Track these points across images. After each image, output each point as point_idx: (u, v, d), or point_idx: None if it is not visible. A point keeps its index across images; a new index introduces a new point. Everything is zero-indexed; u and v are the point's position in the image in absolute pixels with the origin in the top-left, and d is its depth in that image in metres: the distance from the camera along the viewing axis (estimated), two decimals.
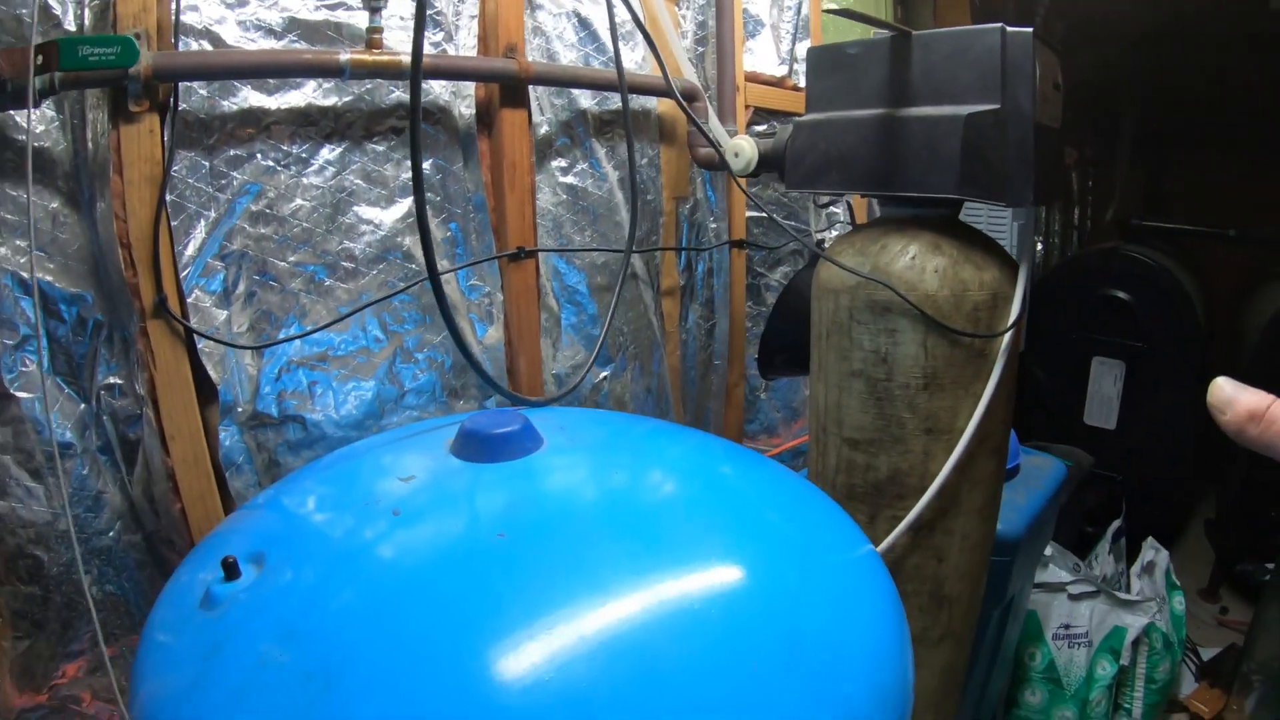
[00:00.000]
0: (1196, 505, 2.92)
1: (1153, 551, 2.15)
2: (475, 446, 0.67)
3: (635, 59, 1.32)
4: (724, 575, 0.57)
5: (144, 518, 0.96)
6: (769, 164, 1.11)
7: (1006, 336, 0.96)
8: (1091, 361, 2.60)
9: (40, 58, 0.80)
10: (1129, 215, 2.88)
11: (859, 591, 0.63)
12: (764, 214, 1.51)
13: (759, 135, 1.13)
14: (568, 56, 1.23)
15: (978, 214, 2.21)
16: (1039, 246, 2.98)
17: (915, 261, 0.94)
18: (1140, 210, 3.01)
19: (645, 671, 0.48)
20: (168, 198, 0.90)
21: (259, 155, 0.97)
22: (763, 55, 1.57)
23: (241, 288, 0.96)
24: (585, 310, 1.31)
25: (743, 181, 1.19)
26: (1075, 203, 3.17)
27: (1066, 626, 1.95)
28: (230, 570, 0.58)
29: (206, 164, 0.94)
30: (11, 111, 0.82)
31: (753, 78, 1.53)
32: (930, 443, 0.98)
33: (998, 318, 0.95)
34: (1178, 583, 2.18)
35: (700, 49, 1.42)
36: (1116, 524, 2.20)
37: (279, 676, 0.49)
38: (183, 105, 0.91)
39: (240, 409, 0.96)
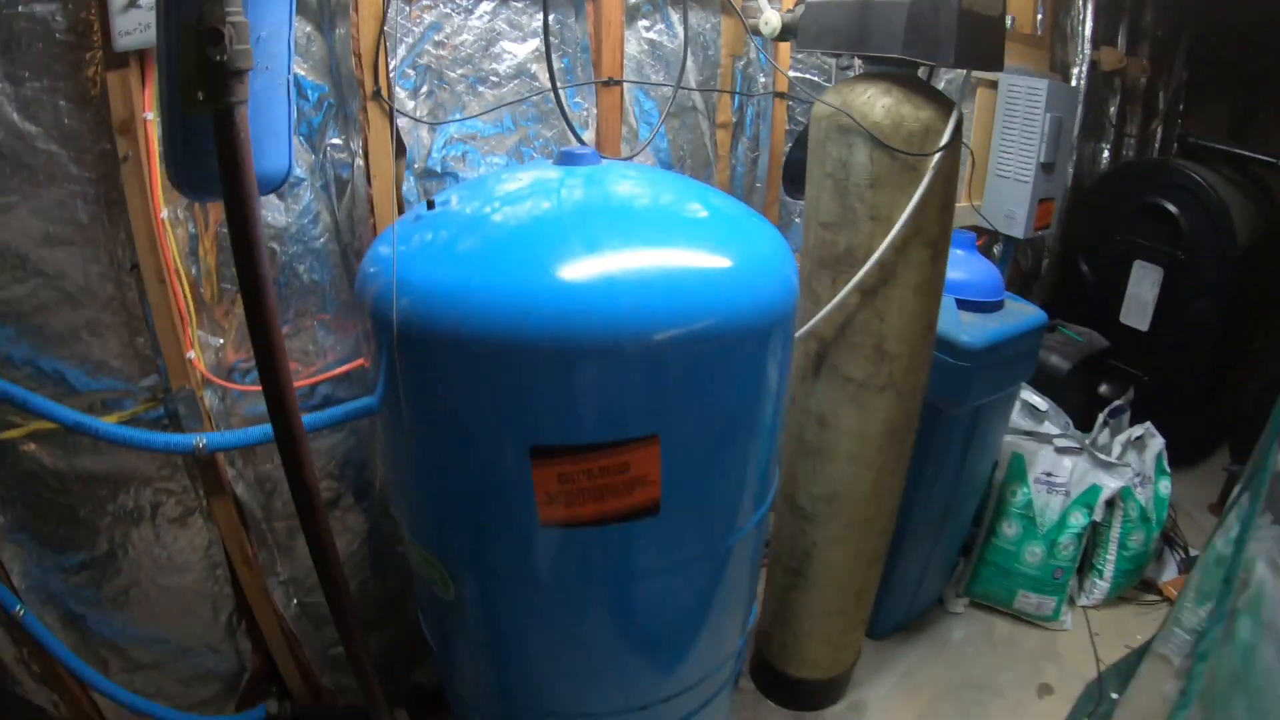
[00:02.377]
0: (1214, 430, 3.27)
1: (1145, 430, 2.61)
2: (565, 158, 1.32)
3: None
4: (720, 254, 1.19)
5: (343, 233, 1.67)
6: (788, 32, 1.70)
7: (936, 157, 1.52)
8: (1133, 264, 3.03)
9: None
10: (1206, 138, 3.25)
11: (784, 272, 1.24)
12: (804, 75, 2.11)
13: (787, 12, 1.71)
14: None
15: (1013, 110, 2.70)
16: (1105, 153, 3.39)
17: (869, 99, 1.51)
18: (1226, 137, 3.36)
19: (660, 285, 1.09)
20: (384, 29, 1.57)
21: (441, 4, 1.63)
22: None
23: (425, 88, 1.63)
24: (658, 129, 1.96)
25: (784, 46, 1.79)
26: (1157, 117, 3.54)
27: (1049, 474, 2.47)
28: (430, 204, 1.25)
29: (407, 8, 1.60)
30: None
31: None
32: (874, 227, 1.56)
33: (929, 143, 1.52)
34: (1168, 470, 2.64)
35: None
36: (1118, 403, 2.67)
37: (437, 252, 1.15)
38: None
39: (416, 165, 1.65)
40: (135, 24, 1.41)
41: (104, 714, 1.88)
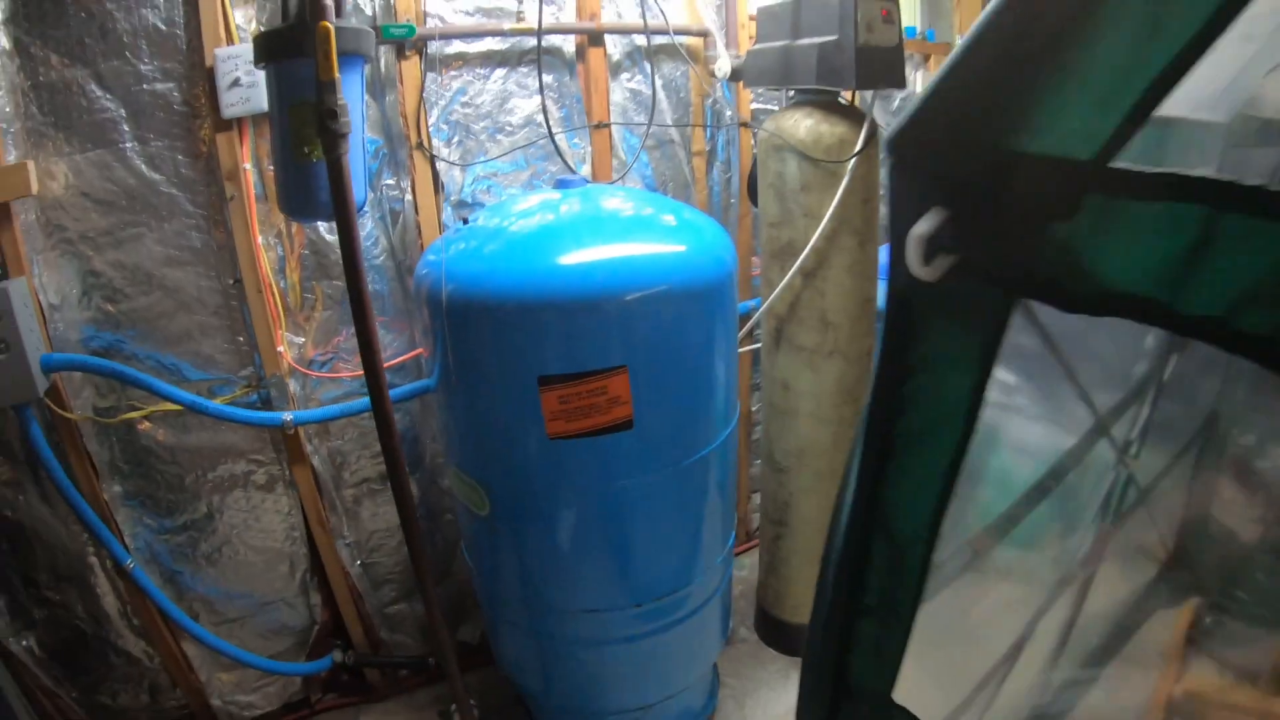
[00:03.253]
0: None
1: None
2: (561, 184, 1.88)
3: (679, 10, 2.48)
4: (675, 244, 1.73)
5: (397, 253, 2.24)
6: (737, 75, 2.26)
7: (851, 162, 2.05)
8: None
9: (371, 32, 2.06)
10: None
11: (722, 256, 1.78)
12: (764, 106, 2.69)
13: (735, 58, 2.28)
14: (630, 14, 2.40)
15: None
16: None
17: (795, 122, 2.06)
18: None
19: (629, 264, 1.65)
20: (423, 95, 2.15)
21: (464, 73, 2.21)
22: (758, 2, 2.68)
23: (455, 138, 2.22)
24: (640, 160, 2.52)
25: (737, 85, 2.36)
26: None
27: None
28: (464, 221, 1.81)
29: (439, 78, 2.19)
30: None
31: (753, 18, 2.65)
32: (808, 223, 2.09)
33: (844, 152, 2.05)
34: None
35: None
36: None
37: (470, 257, 1.71)
38: (430, 50, 2.16)
39: (452, 198, 2.23)
40: (237, 99, 2.00)
41: (191, 664, 2.43)
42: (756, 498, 3.21)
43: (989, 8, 0.46)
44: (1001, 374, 0.56)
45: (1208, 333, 0.41)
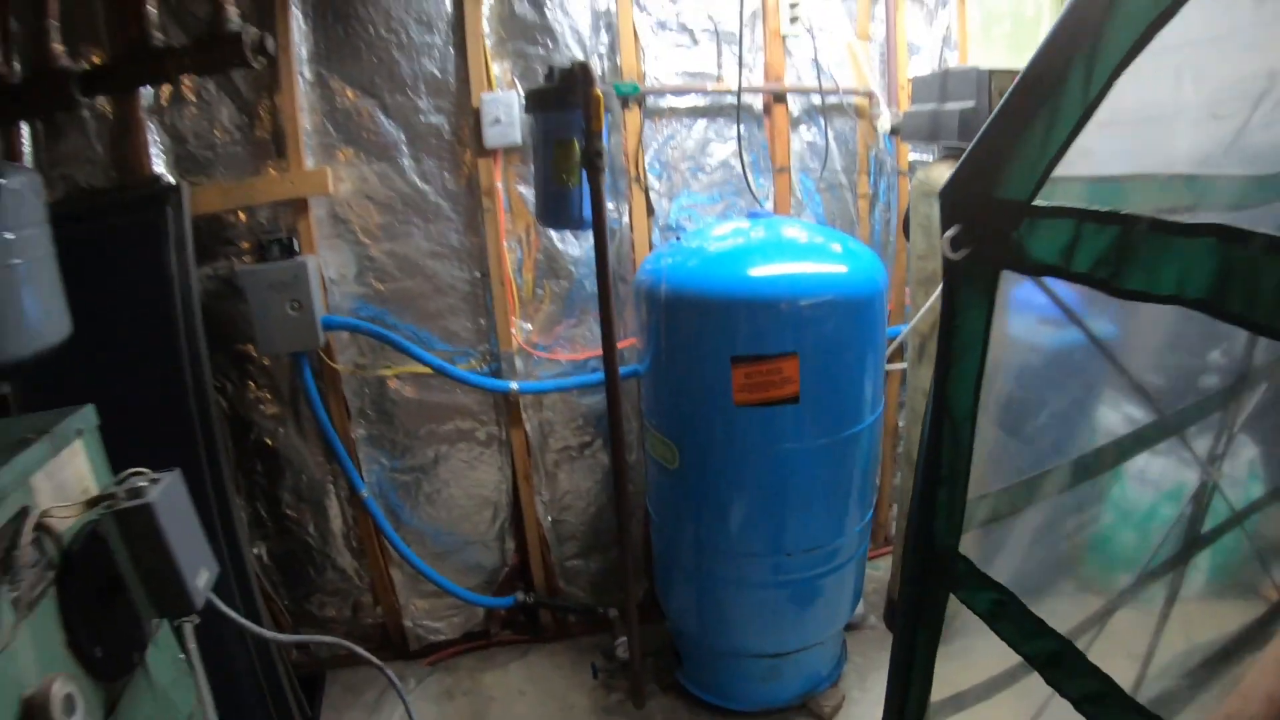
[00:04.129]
0: None
1: None
2: (751, 214, 2.54)
3: (848, 74, 3.10)
4: (839, 265, 2.35)
5: (612, 265, 2.93)
6: (896, 130, 2.86)
7: None
8: None
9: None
10: None
11: (875, 277, 2.38)
12: (920, 158, 3.26)
13: (895, 115, 2.88)
14: (808, 77, 3.04)
15: None
16: None
17: (941, 172, 2.63)
18: None
19: (801, 278, 2.28)
20: (641, 139, 2.86)
21: (673, 123, 2.92)
22: (919, 67, 3.24)
23: (664, 175, 2.93)
24: (814, 199, 3.14)
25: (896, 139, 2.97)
26: None
27: None
28: (677, 238, 2.48)
29: (654, 125, 2.89)
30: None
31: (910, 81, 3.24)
32: None
33: None
34: None
35: (883, 63, 3.17)
36: None
37: (678, 267, 2.38)
38: (648, 103, 2.86)
39: (660, 222, 2.93)
40: (498, 134, 2.74)
41: (394, 587, 3.17)
42: (895, 507, 3.72)
43: (984, 127, 1.05)
44: None
45: (1095, 283, 0.97)
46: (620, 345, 2.83)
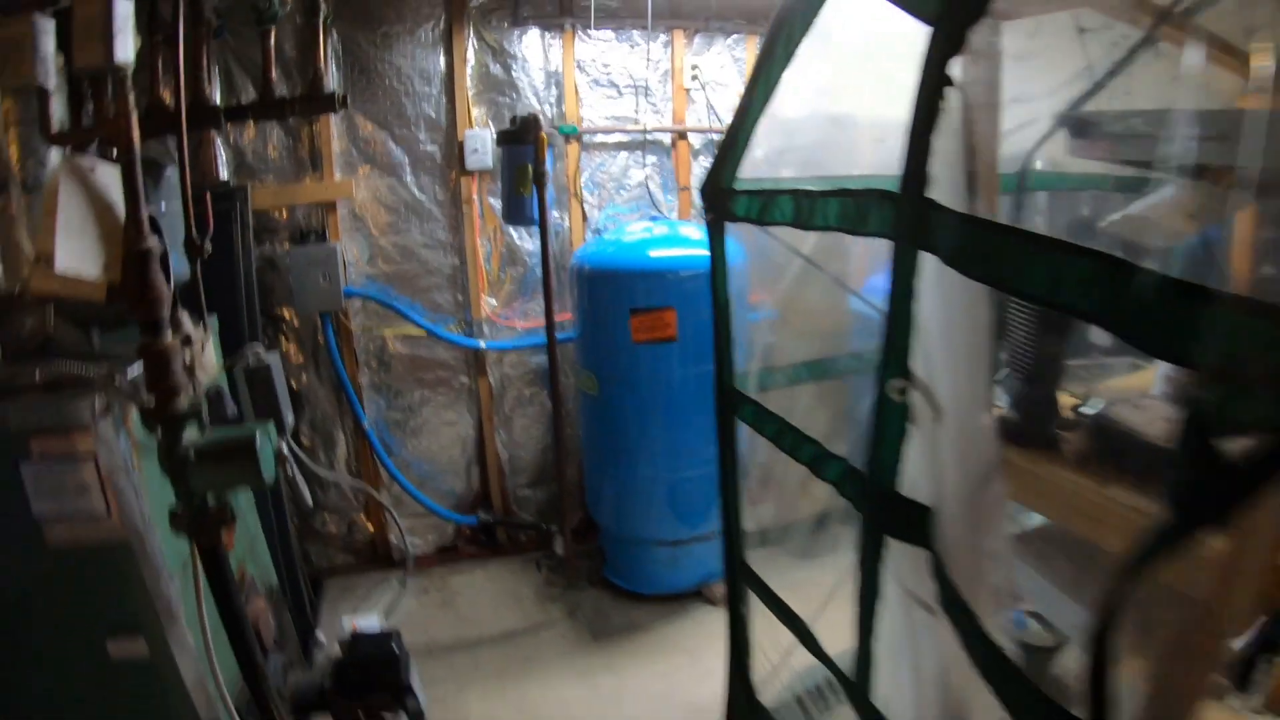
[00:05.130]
0: None
1: None
2: (653, 219, 3.77)
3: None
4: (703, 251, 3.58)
5: (556, 255, 4.16)
6: None
7: None
8: None
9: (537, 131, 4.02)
10: None
11: (736, 257, 3.61)
12: None
13: None
14: (705, 119, 4.29)
15: None
16: None
17: None
18: None
19: (681, 258, 3.50)
20: (579, 165, 4.08)
21: (602, 154, 4.18)
22: None
23: (595, 191, 4.18)
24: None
25: None
26: None
27: None
28: (597, 233, 3.71)
29: (587, 155, 4.13)
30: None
31: None
32: None
33: None
34: None
35: None
36: None
37: (598, 253, 3.61)
38: (584, 139, 4.10)
39: (592, 226, 4.19)
40: (476, 160, 3.98)
41: (384, 504, 4.30)
42: None
43: (716, 155, 2.25)
44: None
45: (753, 221, 2.16)
46: (559, 318, 4.03)
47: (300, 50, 3.71)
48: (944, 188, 1.27)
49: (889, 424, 1.55)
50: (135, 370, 1.94)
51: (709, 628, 3.55)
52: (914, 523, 1.55)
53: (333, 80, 3.80)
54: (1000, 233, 1.15)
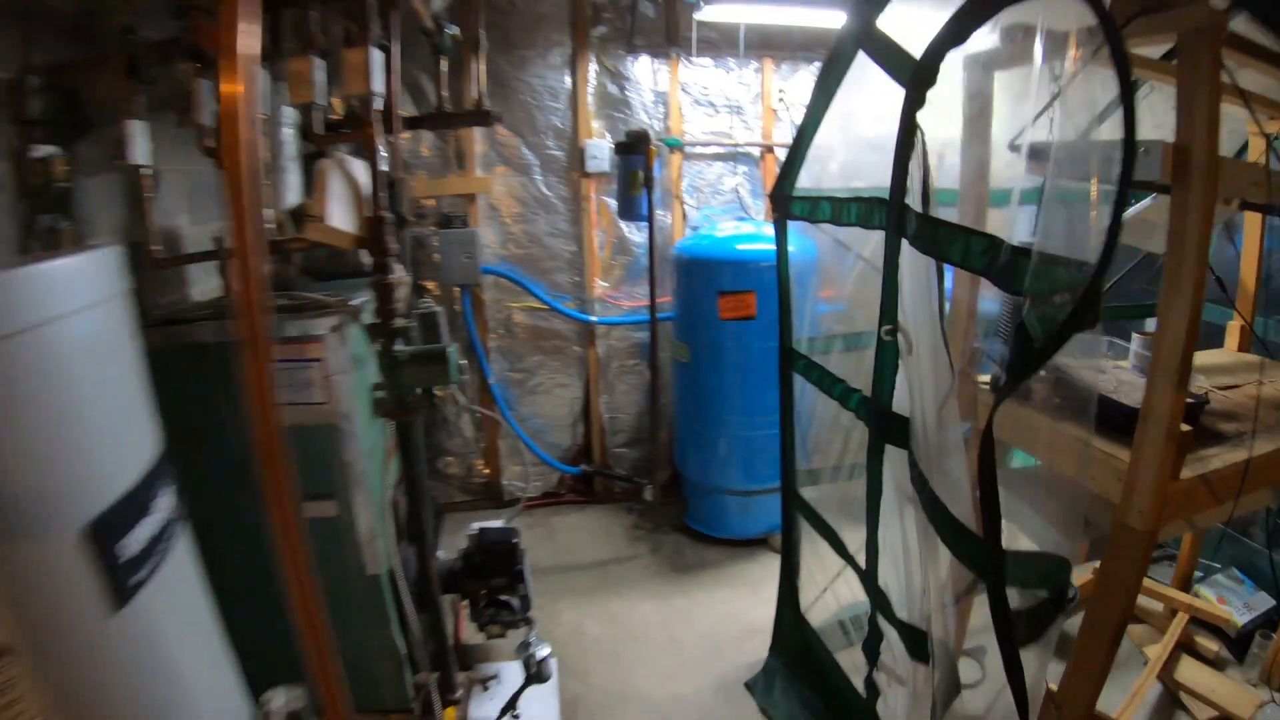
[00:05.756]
0: None
1: None
2: (742, 219, 4.54)
3: None
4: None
5: (660, 247, 4.96)
6: None
7: None
8: None
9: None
10: None
11: (809, 253, 4.35)
12: None
13: None
14: (789, 136, 5.03)
15: None
16: None
17: None
18: None
19: (762, 252, 4.26)
20: (680, 172, 4.87)
21: (701, 163, 4.98)
22: None
23: (693, 194, 4.97)
24: None
25: None
26: None
27: None
28: (694, 230, 4.50)
29: (688, 164, 4.92)
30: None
31: None
32: None
33: None
34: None
35: None
36: None
37: (694, 245, 4.39)
38: (686, 150, 4.88)
39: (690, 224, 4.97)
40: (594, 164, 4.82)
41: (499, 453, 5.14)
42: None
43: (781, 166, 2.98)
44: None
45: (807, 219, 2.87)
46: (660, 300, 4.81)
47: (452, 71, 4.57)
48: (913, 196, 2.00)
49: (885, 359, 2.29)
50: (356, 301, 2.78)
51: (769, 570, 4.22)
52: (900, 430, 2.26)
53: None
54: (938, 224, 1.89)
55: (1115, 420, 2.07)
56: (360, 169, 2.70)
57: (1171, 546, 4.02)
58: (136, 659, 1.57)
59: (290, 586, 1.50)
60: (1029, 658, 1.85)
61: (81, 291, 1.55)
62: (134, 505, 1.60)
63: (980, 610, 2.16)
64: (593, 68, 4.84)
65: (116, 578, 1.48)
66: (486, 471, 5.21)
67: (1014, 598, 1.87)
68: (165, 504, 1.73)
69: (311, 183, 2.64)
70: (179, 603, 1.77)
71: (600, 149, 4.79)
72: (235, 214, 1.35)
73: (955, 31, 1.84)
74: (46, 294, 1.44)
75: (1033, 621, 1.83)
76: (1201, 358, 2.97)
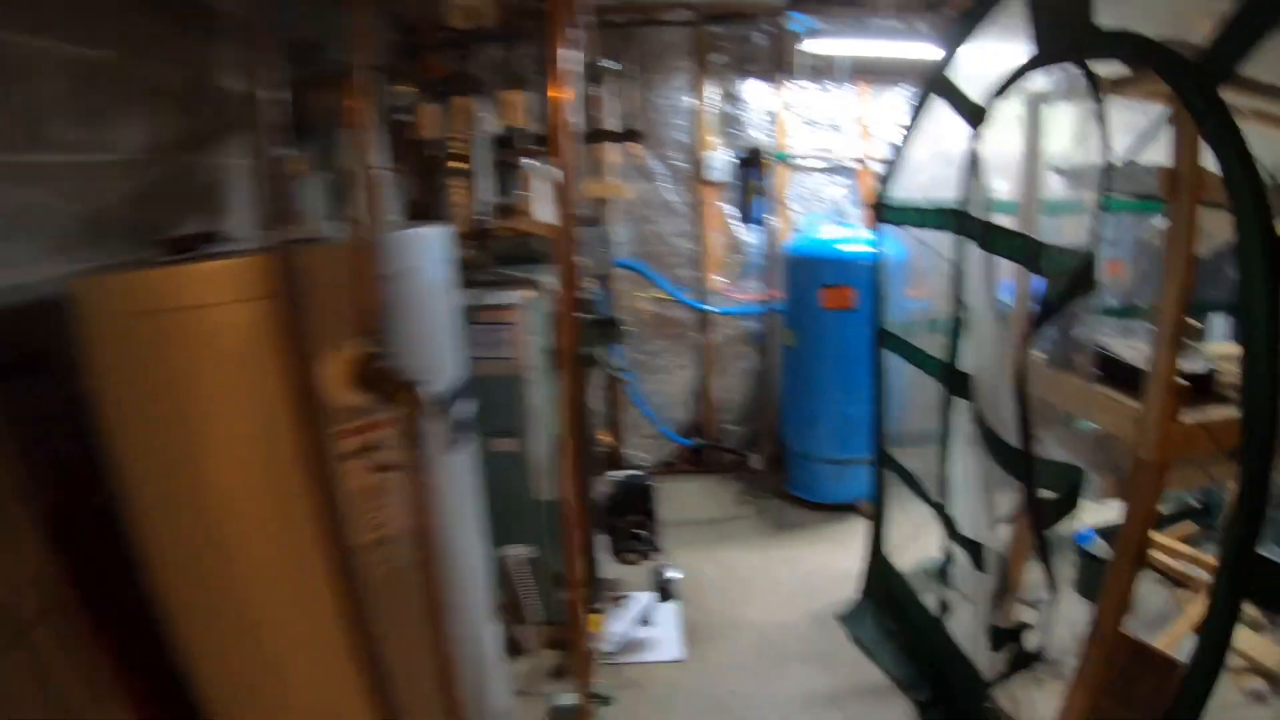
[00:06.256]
0: None
1: None
2: (842, 224, 5.30)
3: None
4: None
5: (768, 247, 5.72)
6: None
7: None
8: None
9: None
10: None
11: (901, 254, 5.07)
12: None
13: None
14: (882, 151, 5.75)
15: None
16: None
17: None
18: None
19: (861, 252, 4.98)
20: (786, 182, 5.64)
21: (804, 174, 5.75)
22: None
23: (798, 202, 5.73)
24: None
25: None
26: None
27: None
28: (799, 231, 5.26)
29: (794, 175, 5.69)
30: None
31: None
32: None
33: None
34: None
35: None
36: None
37: (801, 245, 5.16)
38: (792, 162, 5.65)
39: (796, 227, 5.71)
40: (713, 174, 5.60)
41: (621, 426, 5.96)
42: None
43: (883, 176, 3.70)
44: None
45: (903, 225, 3.60)
46: (770, 294, 5.57)
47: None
48: (976, 207, 2.74)
49: (955, 329, 3.01)
50: (544, 280, 3.61)
51: (857, 531, 4.80)
52: (966, 386, 2.99)
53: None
54: (993, 228, 2.63)
55: (1135, 381, 2.74)
56: (550, 174, 3.55)
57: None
58: (448, 490, 2.32)
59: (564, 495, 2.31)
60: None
61: (433, 250, 2.35)
62: (456, 395, 2.40)
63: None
64: (711, 90, 5.63)
65: (452, 431, 2.30)
66: (611, 442, 6.02)
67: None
68: (468, 406, 2.55)
69: (515, 184, 3.48)
70: (465, 470, 2.55)
71: (718, 160, 5.60)
72: (562, 200, 2.17)
73: (1000, 88, 2.58)
74: (418, 248, 2.20)
75: (1053, 510, 2.53)
76: (1224, 348, 3.58)
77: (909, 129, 3.44)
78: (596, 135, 4.30)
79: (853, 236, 5.13)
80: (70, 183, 2.04)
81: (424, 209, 3.78)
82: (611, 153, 5.50)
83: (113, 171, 2.19)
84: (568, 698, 2.99)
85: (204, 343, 1.60)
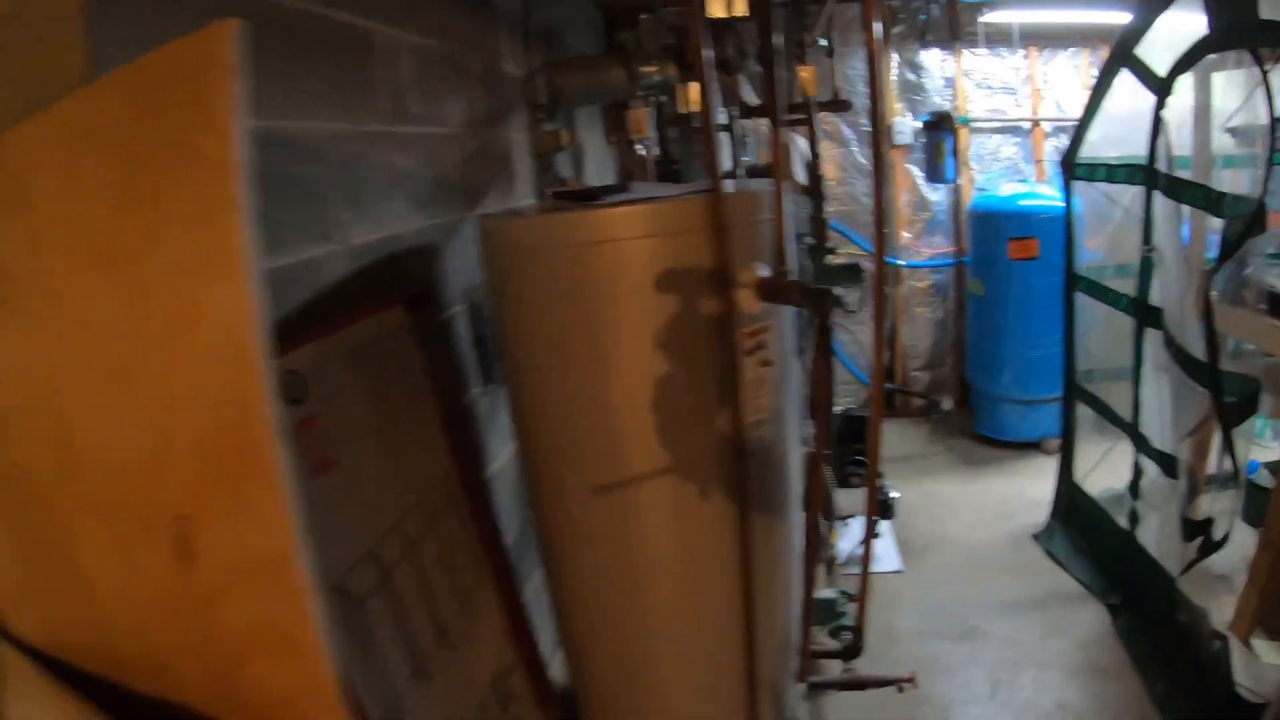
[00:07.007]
0: None
1: None
2: (1021, 180, 5.83)
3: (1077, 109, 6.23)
4: (1061, 202, 5.58)
5: (953, 205, 6.29)
6: None
7: None
8: None
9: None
10: None
11: (1078, 207, 5.58)
12: None
13: None
14: (1053, 112, 6.22)
15: None
16: None
17: None
18: None
19: (1041, 206, 5.53)
20: (968, 143, 6.19)
21: (982, 136, 6.31)
22: None
23: (978, 161, 6.27)
24: (1058, 177, 6.34)
25: None
26: None
27: None
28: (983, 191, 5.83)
29: (973, 137, 6.23)
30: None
31: None
32: None
33: None
34: None
35: None
36: None
37: (987, 202, 5.73)
38: (971, 125, 6.20)
39: (977, 185, 6.28)
40: (899, 138, 6.22)
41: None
42: None
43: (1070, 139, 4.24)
44: None
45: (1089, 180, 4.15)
46: (950, 249, 6.13)
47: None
48: (1161, 162, 3.31)
49: (1145, 268, 3.59)
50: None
51: (1042, 467, 5.38)
52: (1156, 317, 3.55)
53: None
54: (1177, 180, 3.21)
55: None
56: (797, 141, 4.26)
57: None
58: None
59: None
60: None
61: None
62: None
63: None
64: (894, 59, 6.25)
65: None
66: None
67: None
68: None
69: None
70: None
71: (903, 125, 6.23)
72: (877, 166, 2.88)
73: (1181, 65, 3.14)
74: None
75: (1235, 411, 3.08)
76: None
77: (1095, 94, 3.98)
78: (801, 106, 4.95)
79: (1033, 193, 5.66)
80: (423, 151, 2.43)
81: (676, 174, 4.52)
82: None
83: (447, 142, 2.63)
84: (828, 592, 3.55)
85: (621, 267, 2.04)
